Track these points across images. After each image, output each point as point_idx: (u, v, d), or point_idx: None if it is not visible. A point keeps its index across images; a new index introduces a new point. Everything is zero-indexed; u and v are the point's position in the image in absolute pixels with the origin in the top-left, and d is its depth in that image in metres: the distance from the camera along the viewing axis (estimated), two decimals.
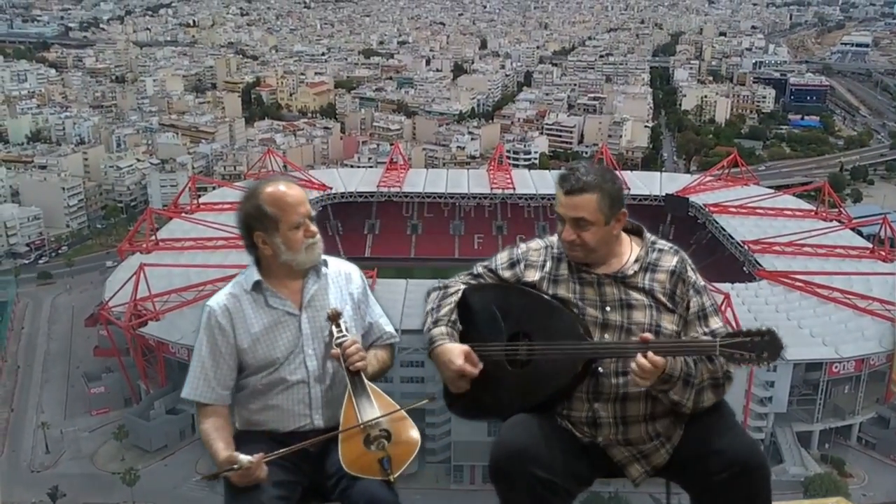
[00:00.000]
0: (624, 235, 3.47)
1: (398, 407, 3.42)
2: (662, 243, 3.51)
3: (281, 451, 3.39)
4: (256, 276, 3.61)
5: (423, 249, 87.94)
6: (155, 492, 49.99)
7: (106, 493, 52.92)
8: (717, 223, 78.35)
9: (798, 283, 63.32)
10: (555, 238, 3.53)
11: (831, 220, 77.70)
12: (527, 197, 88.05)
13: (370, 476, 3.27)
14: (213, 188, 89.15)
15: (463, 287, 3.60)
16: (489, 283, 3.60)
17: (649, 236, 3.52)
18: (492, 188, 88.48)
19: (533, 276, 3.48)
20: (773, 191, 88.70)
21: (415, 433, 3.38)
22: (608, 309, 3.35)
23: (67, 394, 64.64)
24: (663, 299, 3.36)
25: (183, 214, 77.61)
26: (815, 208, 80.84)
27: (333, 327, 3.55)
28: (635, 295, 3.36)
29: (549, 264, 3.48)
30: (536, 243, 3.60)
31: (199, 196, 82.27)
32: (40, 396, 64.62)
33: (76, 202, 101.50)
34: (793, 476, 53.11)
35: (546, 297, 3.41)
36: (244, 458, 3.26)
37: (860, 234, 76.79)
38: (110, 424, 59.55)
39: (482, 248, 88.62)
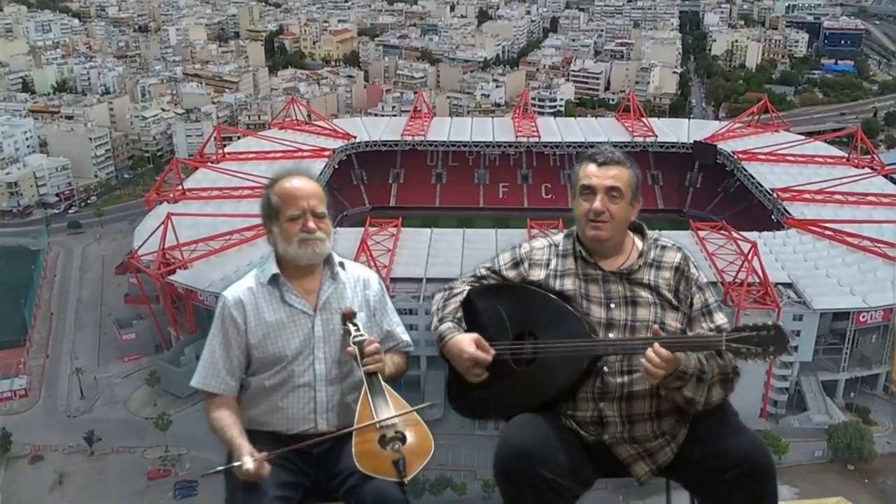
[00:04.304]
0: (628, 233, 3.49)
1: (414, 410, 3.43)
2: (665, 240, 3.52)
3: (281, 450, 3.42)
4: (275, 270, 3.62)
5: (448, 198, 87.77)
6: (187, 436, 51.15)
7: (140, 438, 54.31)
8: (745, 171, 77.25)
9: (827, 232, 62.52)
10: (559, 237, 3.56)
11: (863, 167, 76.30)
12: (552, 145, 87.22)
13: (384, 476, 3.27)
14: (238, 138, 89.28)
15: (467, 288, 3.61)
16: (494, 283, 3.61)
17: (651, 233, 3.53)
18: (517, 136, 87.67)
19: (538, 274, 3.50)
20: (804, 137, 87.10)
21: (430, 438, 3.37)
22: (612, 306, 3.36)
23: (100, 340, 66.04)
24: (668, 295, 3.38)
25: (209, 164, 78.01)
26: (846, 155, 79.37)
27: (350, 325, 3.56)
28: (640, 292, 3.38)
29: (553, 261, 3.50)
30: (540, 242, 3.62)
31: (225, 146, 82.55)
32: (74, 343, 66.10)
33: (103, 152, 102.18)
34: (817, 424, 53.21)
35: (551, 295, 3.41)
36: (247, 458, 3.30)
37: (893, 181, 75.33)
38: (142, 370, 60.92)
39: (507, 197, 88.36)
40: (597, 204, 3.34)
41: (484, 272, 3.65)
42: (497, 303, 3.52)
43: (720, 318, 3.38)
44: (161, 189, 72.54)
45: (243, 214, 60.03)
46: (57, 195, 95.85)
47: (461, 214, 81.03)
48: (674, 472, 3.41)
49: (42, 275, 77.33)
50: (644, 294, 3.37)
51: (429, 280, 55.31)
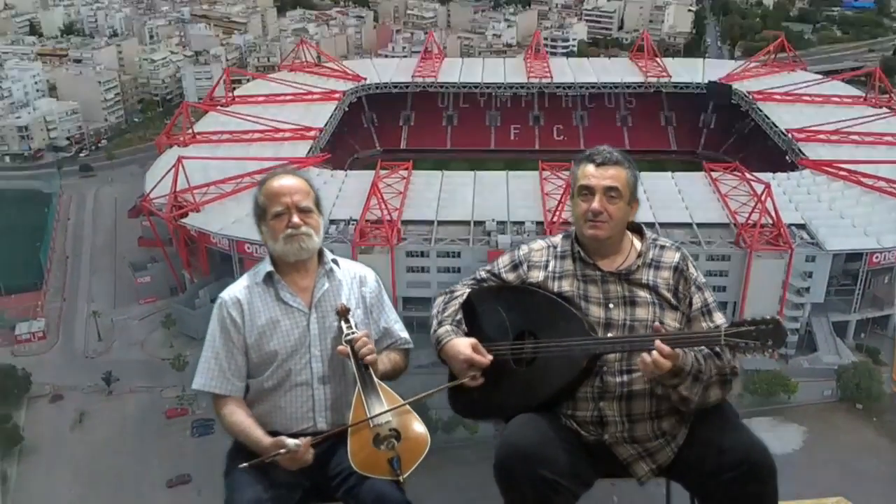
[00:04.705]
0: (626, 233, 3.50)
1: (407, 403, 3.44)
2: (663, 240, 3.55)
3: (324, 435, 3.44)
4: (269, 268, 3.64)
5: (460, 141, 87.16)
6: None
7: (157, 378, 55.31)
8: (760, 111, 76.23)
9: (842, 173, 61.86)
10: (557, 238, 3.58)
11: (881, 107, 75.08)
12: (565, 86, 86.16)
13: (380, 476, 3.30)
14: (248, 80, 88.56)
15: (468, 291, 3.65)
16: (494, 285, 3.63)
17: (650, 234, 3.55)
18: (529, 77, 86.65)
19: (537, 276, 3.52)
20: (821, 77, 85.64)
21: (424, 433, 3.38)
22: (611, 306, 3.39)
23: (115, 283, 66.76)
24: (667, 295, 3.40)
25: (218, 108, 77.57)
26: (864, 94, 78.09)
27: (343, 323, 3.57)
28: (639, 292, 3.40)
29: (552, 263, 3.52)
30: (538, 244, 3.63)
31: (234, 89, 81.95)
32: (90, 286, 66.88)
33: (112, 96, 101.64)
34: (826, 364, 53.49)
35: (551, 295, 3.44)
36: (292, 441, 3.34)
37: None
38: (157, 313, 61.70)
39: (519, 139, 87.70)
40: (595, 204, 3.36)
41: (484, 275, 3.69)
42: (497, 304, 3.56)
43: (719, 318, 3.41)
44: (171, 132, 72.38)
45: (254, 157, 59.89)
46: (67, 139, 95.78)
47: (472, 157, 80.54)
48: (674, 472, 3.44)
49: (56, 218, 77.84)
50: (643, 294, 3.41)
51: (440, 223, 55.28)
